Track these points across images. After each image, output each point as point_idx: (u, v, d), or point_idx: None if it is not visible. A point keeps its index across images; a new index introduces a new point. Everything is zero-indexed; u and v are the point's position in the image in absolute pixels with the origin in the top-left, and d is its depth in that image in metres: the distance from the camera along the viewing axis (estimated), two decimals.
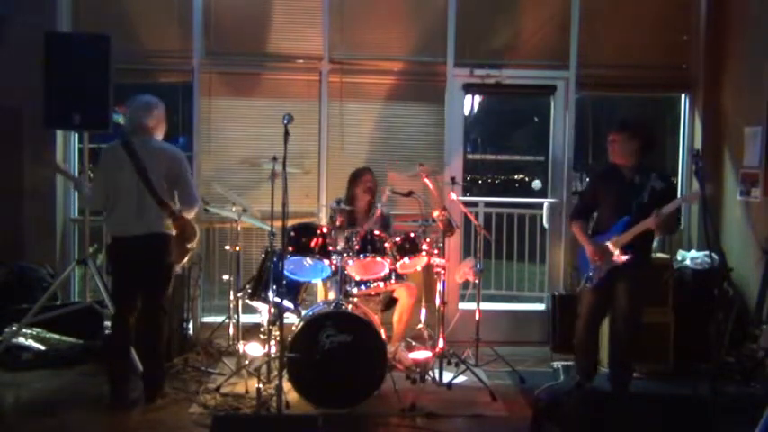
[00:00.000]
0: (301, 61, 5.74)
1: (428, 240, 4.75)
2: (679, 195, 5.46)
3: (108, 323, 4.99)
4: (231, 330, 5.01)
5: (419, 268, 4.90)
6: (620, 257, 4.19)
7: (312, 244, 4.52)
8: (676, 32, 5.91)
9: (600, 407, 3.75)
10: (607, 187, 4.39)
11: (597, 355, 4.56)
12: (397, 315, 4.97)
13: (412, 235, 4.75)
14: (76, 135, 5.59)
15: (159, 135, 4.27)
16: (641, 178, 4.23)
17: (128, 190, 4.09)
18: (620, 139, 4.27)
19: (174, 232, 4.21)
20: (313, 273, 4.69)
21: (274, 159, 4.30)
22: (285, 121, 3.80)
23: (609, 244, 4.24)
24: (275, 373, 4.20)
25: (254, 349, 4.77)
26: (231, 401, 4.19)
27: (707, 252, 5.18)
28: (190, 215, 4.27)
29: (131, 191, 4.09)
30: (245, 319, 5.04)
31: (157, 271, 4.21)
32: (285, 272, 4.24)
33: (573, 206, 4.66)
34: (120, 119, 5.13)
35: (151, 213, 4.10)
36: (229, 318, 5.04)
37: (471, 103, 6.10)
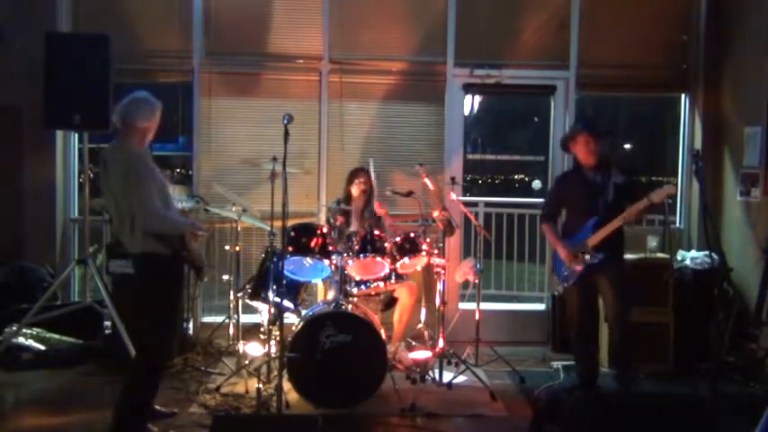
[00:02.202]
0: (301, 61, 5.75)
1: (428, 240, 4.75)
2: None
3: (108, 323, 5.02)
4: (231, 330, 5.02)
5: (419, 268, 4.90)
6: (589, 259, 4.28)
7: (312, 244, 4.52)
8: (676, 32, 5.92)
9: (600, 407, 3.75)
10: (571, 190, 4.45)
11: (597, 357, 4.56)
12: (398, 315, 4.98)
13: (412, 235, 4.75)
14: (76, 135, 5.59)
15: (134, 139, 3.61)
16: (602, 176, 4.30)
17: (106, 201, 3.66)
18: (595, 140, 4.31)
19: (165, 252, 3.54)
20: (313, 273, 4.69)
21: (274, 159, 4.30)
22: (285, 121, 3.80)
23: (584, 244, 4.29)
24: (275, 373, 4.20)
25: (254, 349, 4.77)
26: (231, 401, 4.19)
27: (707, 252, 5.17)
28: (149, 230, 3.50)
29: (108, 202, 3.63)
30: (245, 319, 5.04)
31: (135, 301, 3.73)
32: (285, 272, 4.23)
33: (542, 209, 4.69)
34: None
35: (125, 229, 3.54)
36: (229, 318, 5.04)
37: (471, 103, 6.11)
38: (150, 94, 3.71)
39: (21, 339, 4.91)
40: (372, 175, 5.10)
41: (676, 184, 5.96)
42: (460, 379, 4.67)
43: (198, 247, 3.77)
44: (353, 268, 4.63)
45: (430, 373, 4.65)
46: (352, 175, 5.22)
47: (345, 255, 4.54)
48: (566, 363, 5.07)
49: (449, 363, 4.82)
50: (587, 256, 4.28)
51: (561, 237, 4.47)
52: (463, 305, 5.65)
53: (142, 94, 3.69)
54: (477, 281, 5.21)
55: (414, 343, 5.15)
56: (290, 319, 4.68)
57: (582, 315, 4.45)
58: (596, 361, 4.54)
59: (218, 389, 4.38)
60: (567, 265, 4.38)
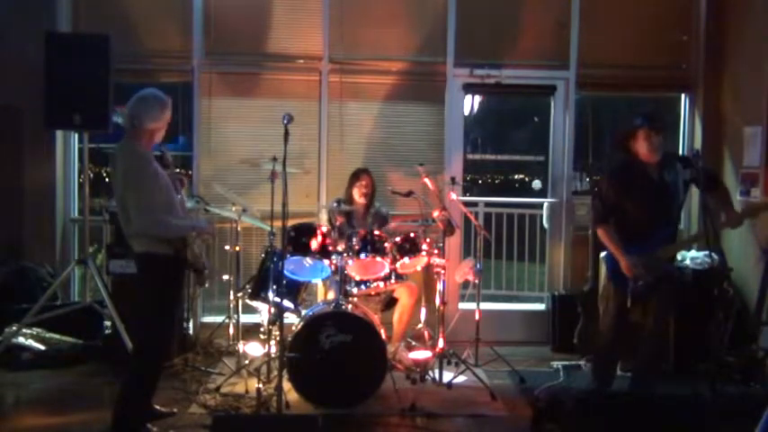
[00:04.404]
0: (301, 61, 5.75)
1: (428, 240, 4.75)
2: None
3: (108, 323, 5.02)
4: (231, 330, 5.02)
5: (419, 268, 4.90)
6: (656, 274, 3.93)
7: (312, 244, 4.52)
8: (676, 32, 5.91)
9: (600, 406, 3.75)
10: (634, 188, 3.97)
11: (619, 360, 4.51)
12: (398, 315, 4.98)
13: (412, 235, 4.75)
14: (76, 135, 5.59)
15: (143, 138, 3.60)
16: (669, 174, 3.93)
17: (116, 199, 3.64)
18: (655, 134, 3.87)
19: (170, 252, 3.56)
20: (313, 273, 4.69)
21: (274, 159, 4.30)
22: (285, 121, 3.80)
23: (658, 257, 3.93)
24: (275, 373, 4.20)
25: (254, 349, 4.77)
26: (231, 401, 4.19)
27: (707, 252, 5.17)
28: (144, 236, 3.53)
29: (118, 202, 3.61)
30: (245, 319, 5.04)
31: (134, 300, 3.75)
32: (285, 272, 4.23)
33: (596, 210, 4.15)
34: (120, 119, 5.14)
35: (129, 228, 3.55)
36: (229, 318, 5.04)
37: (471, 103, 6.10)
38: (157, 91, 3.68)
39: (21, 339, 4.91)
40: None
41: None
42: (460, 379, 4.67)
43: (199, 249, 3.77)
44: (353, 268, 4.63)
45: (430, 373, 4.65)
46: (354, 178, 5.22)
47: (345, 255, 4.54)
48: (565, 363, 5.07)
49: (449, 363, 4.82)
50: (658, 270, 3.90)
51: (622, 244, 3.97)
52: (463, 305, 5.65)
53: (148, 91, 3.65)
54: (477, 281, 5.21)
55: (414, 343, 5.14)
56: (290, 319, 4.68)
57: (621, 320, 4.14)
58: (617, 364, 4.48)
59: (218, 389, 4.37)
60: (635, 279, 3.94)
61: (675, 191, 3.92)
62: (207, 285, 5.10)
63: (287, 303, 4.41)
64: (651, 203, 3.95)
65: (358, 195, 5.17)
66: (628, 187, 4.01)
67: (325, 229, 4.64)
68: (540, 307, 6.08)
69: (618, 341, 4.29)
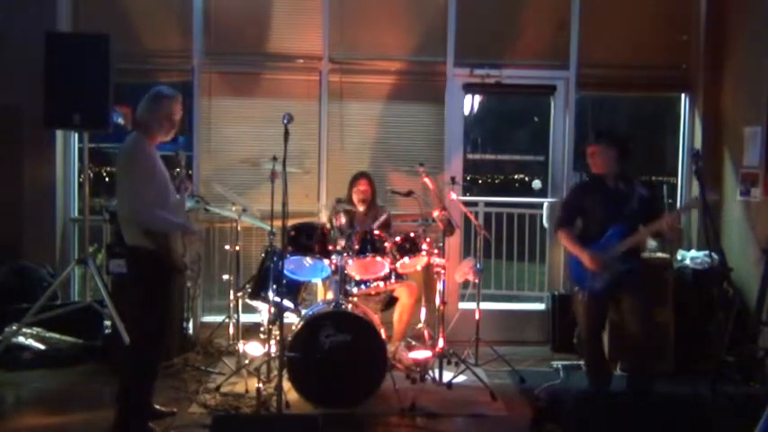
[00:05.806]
0: (301, 61, 5.75)
1: (428, 240, 4.75)
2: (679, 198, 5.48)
3: (108, 322, 5.02)
4: (231, 330, 5.02)
5: (419, 268, 4.90)
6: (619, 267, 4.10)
7: (312, 244, 4.53)
8: (676, 32, 5.91)
9: (600, 406, 3.75)
10: (592, 197, 4.30)
11: (607, 361, 4.52)
12: (398, 315, 4.98)
13: (412, 235, 4.75)
14: (76, 135, 5.59)
15: (148, 133, 3.70)
16: (626, 186, 4.21)
17: (118, 191, 3.72)
18: (599, 150, 4.23)
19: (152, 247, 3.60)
20: (313, 272, 4.69)
21: (274, 159, 4.30)
22: (285, 121, 3.80)
23: (613, 252, 4.10)
24: (275, 372, 4.20)
25: (254, 349, 4.77)
26: (231, 401, 4.19)
27: (707, 252, 5.17)
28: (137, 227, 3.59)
29: (118, 196, 3.72)
30: (245, 318, 5.04)
31: (129, 294, 3.82)
32: (285, 271, 4.23)
33: (558, 215, 4.49)
34: (120, 119, 5.14)
35: (123, 220, 3.68)
36: (229, 317, 5.04)
37: (471, 103, 6.10)
38: (165, 88, 3.80)
39: (21, 339, 4.91)
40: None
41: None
42: (460, 379, 4.67)
43: (191, 249, 3.79)
44: (353, 268, 4.63)
45: (430, 372, 4.65)
46: (353, 181, 5.22)
47: (345, 254, 4.54)
48: (565, 363, 5.07)
49: (449, 362, 4.82)
50: (617, 265, 4.06)
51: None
52: (463, 305, 5.65)
53: (155, 89, 3.77)
54: (477, 281, 5.21)
55: (414, 343, 5.14)
56: (290, 318, 4.68)
57: (595, 324, 4.29)
58: (608, 366, 4.49)
59: (218, 389, 4.38)
60: (592, 272, 4.11)
61: (628, 199, 4.17)
62: (189, 286, 5.09)
63: (287, 303, 4.41)
64: (606, 209, 4.20)
65: (357, 200, 5.17)
66: (588, 196, 4.34)
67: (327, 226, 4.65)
68: (540, 307, 6.08)
69: (598, 345, 4.37)
